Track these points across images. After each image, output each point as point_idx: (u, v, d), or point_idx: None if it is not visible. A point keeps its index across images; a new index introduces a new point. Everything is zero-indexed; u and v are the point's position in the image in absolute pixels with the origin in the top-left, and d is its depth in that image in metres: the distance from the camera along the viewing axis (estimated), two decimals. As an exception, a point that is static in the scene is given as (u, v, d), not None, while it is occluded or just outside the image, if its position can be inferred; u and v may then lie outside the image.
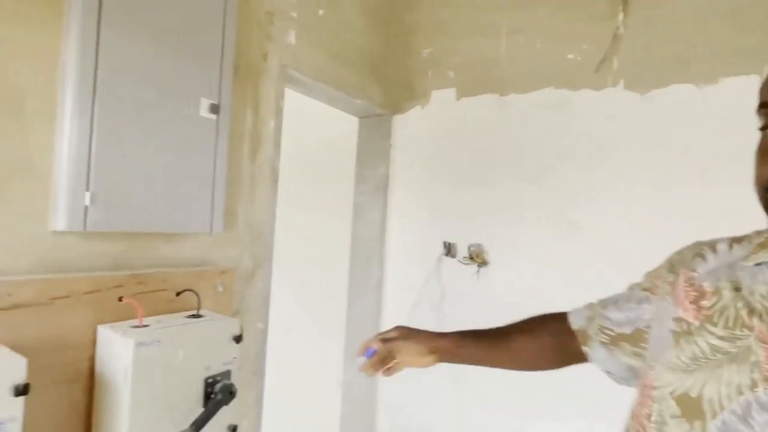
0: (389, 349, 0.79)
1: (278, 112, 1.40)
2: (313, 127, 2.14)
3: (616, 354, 0.65)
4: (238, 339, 0.99)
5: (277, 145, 1.41)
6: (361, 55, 1.75)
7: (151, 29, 1.00)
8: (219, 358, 0.96)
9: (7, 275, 0.82)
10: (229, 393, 0.92)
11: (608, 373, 0.69)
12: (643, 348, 0.60)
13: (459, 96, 1.74)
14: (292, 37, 1.43)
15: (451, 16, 1.79)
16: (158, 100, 1.02)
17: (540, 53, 1.61)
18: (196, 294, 1.03)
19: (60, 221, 0.88)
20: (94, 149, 0.91)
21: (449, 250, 1.68)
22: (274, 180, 1.40)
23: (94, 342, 0.90)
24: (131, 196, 0.97)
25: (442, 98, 1.79)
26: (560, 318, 0.76)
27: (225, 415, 0.94)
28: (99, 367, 0.89)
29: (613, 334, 0.66)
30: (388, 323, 1.88)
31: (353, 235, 2.00)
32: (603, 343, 0.67)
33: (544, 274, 1.55)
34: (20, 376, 0.67)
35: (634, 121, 1.45)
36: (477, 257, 1.61)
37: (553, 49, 1.58)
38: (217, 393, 0.91)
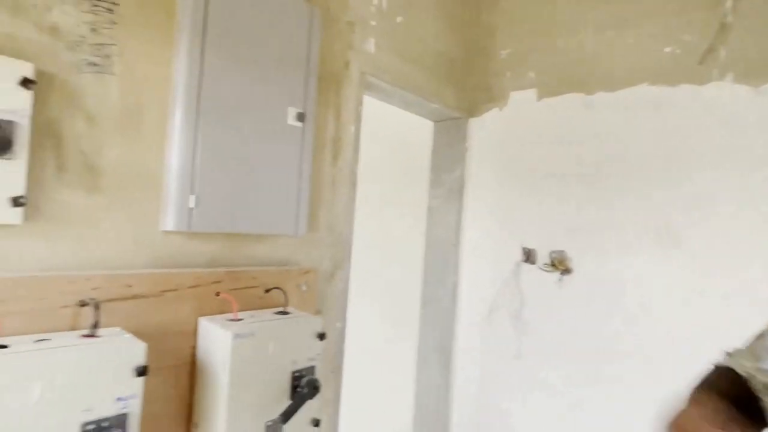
0: None
1: (357, 118, 1.46)
2: (388, 132, 2.18)
3: None
4: (321, 336, 1.04)
5: (356, 149, 1.46)
6: (438, 59, 1.76)
7: (246, 48, 1.09)
8: (304, 353, 1.01)
9: (127, 269, 0.94)
10: (314, 388, 0.97)
11: None
12: None
13: (540, 96, 1.68)
14: (371, 45, 1.48)
15: (532, 15, 1.75)
16: (252, 111, 1.10)
17: (632, 48, 1.51)
18: (284, 292, 1.10)
19: (169, 222, 0.99)
20: (198, 158, 1.01)
21: (528, 256, 1.63)
22: (353, 184, 1.45)
23: (195, 332, 1.00)
24: (228, 199, 1.07)
25: (522, 99, 1.74)
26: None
27: (309, 409, 1.00)
28: (200, 354, 0.98)
29: None
30: (462, 327, 1.87)
31: (428, 238, 2.02)
32: None
33: (635, 286, 1.45)
34: (141, 359, 0.76)
35: (745, 117, 1.31)
36: (559, 264, 1.55)
37: (647, 42, 1.48)
38: (303, 387, 0.96)
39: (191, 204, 1.00)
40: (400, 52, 1.58)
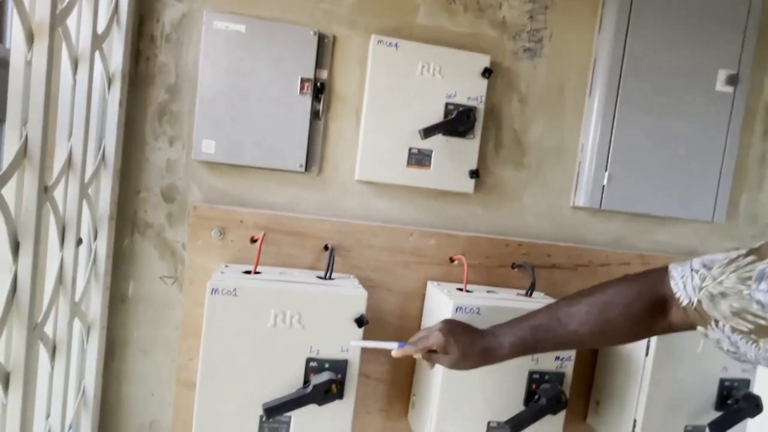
0: (435, 362, 0.73)
1: (805, 76, 1.13)
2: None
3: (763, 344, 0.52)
4: None
5: (800, 117, 1.14)
6: None
7: (674, 9, 0.99)
8: (737, 363, 0.87)
9: (538, 239, 1.02)
10: (756, 406, 0.83)
11: (728, 351, 0.57)
12: None
13: None
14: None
15: None
16: (674, 80, 1.01)
17: None
18: (703, 286, 0.98)
19: (580, 198, 1.02)
20: (614, 135, 1.00)
21: None
22: (790, 163, 1.15)
23: (601, 311, 1.01)
24: (638, 178, 1.02)
25: None
26: (651, 283, 0.64)
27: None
28: (605, 335, 0.99)
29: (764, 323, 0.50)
30: None
31: None
32: (741, 333, 0.53)
33: None
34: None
35: None
36: None
37: None
38: (738, 401, 0.84)
39: (604, 182, 1.00)
40: None
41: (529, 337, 0.68)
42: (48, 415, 0.75)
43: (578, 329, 0.66)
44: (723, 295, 0.54)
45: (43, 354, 0.72)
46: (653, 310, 0.63)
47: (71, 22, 0.69)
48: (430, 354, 0.71)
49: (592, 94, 1.02)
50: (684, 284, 0.60)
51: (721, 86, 1.03)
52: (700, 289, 0.57)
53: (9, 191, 0.57)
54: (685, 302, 0.59)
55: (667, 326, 0.64)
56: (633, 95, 1.00)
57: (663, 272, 0.63)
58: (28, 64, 0.58)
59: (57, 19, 0.59)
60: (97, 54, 0.76)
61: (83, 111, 0.73)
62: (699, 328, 0.58)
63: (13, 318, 0.60)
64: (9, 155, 0.56)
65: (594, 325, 0.65)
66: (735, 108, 1.04)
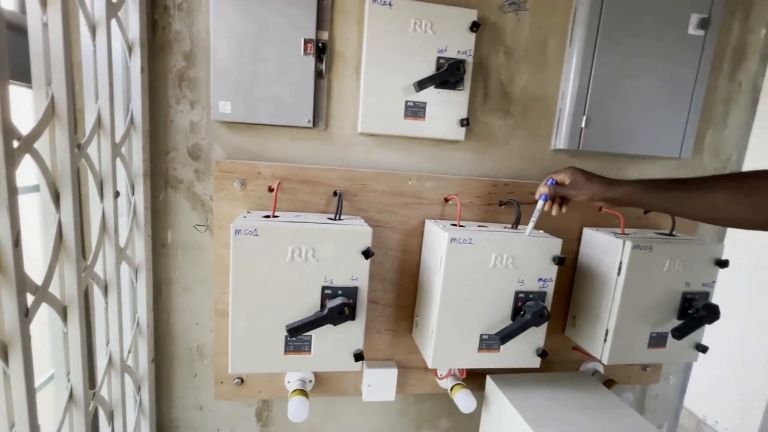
0: (561, 194, 0.76)
1: (772, 18, 1.03)
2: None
3: None
4: (721, 264, 0.85)
5: (765, 58, 1.05)
6: None
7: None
8: (698, 278, 0.85)
9: (523, 179, 0.98)
10: (714, 313, 0.81)
11: None
12: None
13: None
14: None
15: None
16: (649, 25, 0.92)
17: None
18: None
19: (560, 141, 0.96)
20: (592, 81, 0.92)
21: None
22: (753, 101, 1.07)
23: (578, 239, 0.98)
24: (613, 121, 0.95)
25: None
26: None
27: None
28: (581, 258, 0.96)
29: None
30: None
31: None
32: None
33: None
34: (558, 251, 0.79)
35: None
36: None
37: None
38: (699, 310, 0.82)
39: (582, 124, 0.94)
40: None
41: (652, 184, 0.67)
42: (108, 342, 0.75)
43: (710, 190, 0.61)
44: None
45: (97, 292, 0.71)
46: None
47: (84, -11, 0.62)
48: (557, 187, 0.76)
49: (572, 43, 0.93)
50: None
51: (693, 30, 0.94)
52: None
53: (43, 147, 0.53)
54: None
55: None
56: (610, 42, 0.91)
57: None
58: (45, 26, 0.52)
59: (67, -19, 0.53)
60: (114, 23, 0.70)
61: (106, 75, 0.68)
62: None
63: (63, 260, 0.58)
64: (38, 114, 0.52)
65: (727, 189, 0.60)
66: (705, 51, 0.95)
